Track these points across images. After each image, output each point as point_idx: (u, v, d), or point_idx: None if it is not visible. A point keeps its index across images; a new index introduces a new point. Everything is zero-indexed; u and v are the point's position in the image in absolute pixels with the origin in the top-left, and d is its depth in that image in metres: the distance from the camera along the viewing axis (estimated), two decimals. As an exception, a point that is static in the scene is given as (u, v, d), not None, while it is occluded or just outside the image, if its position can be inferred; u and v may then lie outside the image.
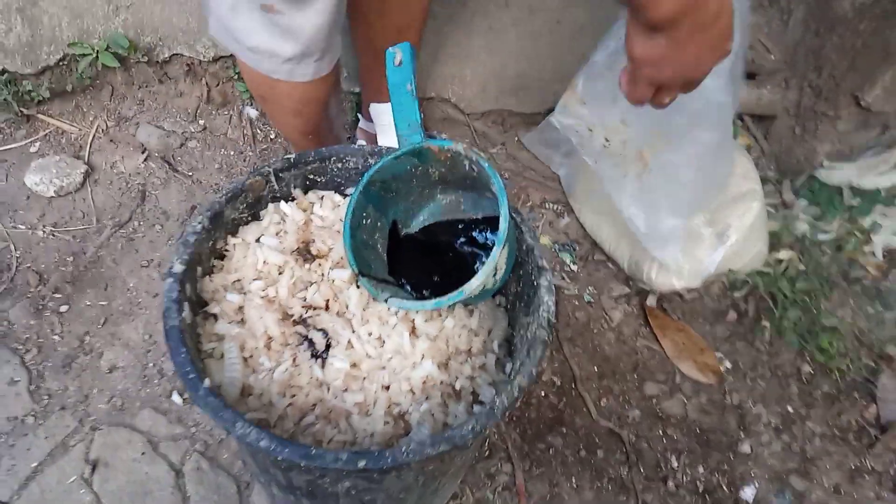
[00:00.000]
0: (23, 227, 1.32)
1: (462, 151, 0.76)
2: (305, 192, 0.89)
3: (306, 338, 0.78)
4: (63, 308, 1.22)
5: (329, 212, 0.87)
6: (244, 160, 1.49)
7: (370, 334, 0.77)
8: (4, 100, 1.44)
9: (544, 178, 1.53)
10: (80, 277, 1.26)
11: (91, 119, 1.51)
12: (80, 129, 1.49)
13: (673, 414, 1.23)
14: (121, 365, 1.16)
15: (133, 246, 1.32)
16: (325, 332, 0.78)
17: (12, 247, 1.29)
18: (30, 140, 1.46)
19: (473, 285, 0.70)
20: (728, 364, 1.30)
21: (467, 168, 0.78)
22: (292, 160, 0.86)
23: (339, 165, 0.89)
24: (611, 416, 1.22)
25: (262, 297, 0.79)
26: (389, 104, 1.32)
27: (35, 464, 1.04)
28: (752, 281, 1.36)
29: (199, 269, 0.78)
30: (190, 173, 1.45)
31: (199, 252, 0.78)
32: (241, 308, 0.79)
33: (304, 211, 0.87)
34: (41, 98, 1.47)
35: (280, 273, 0.81)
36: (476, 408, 0.75)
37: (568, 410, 1.21)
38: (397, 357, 0.76)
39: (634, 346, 1.31)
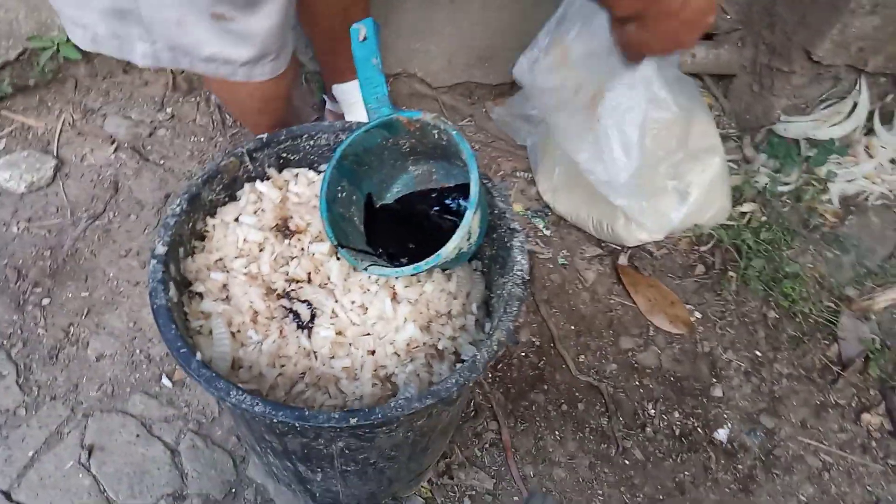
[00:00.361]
0: (-3, 224, 1.32)
1: (430, 121, 0.78)
2: (280, 171, 0.91)
3: (291, 310, 0.81)
4: (45, 301, 1.23)
5: (304, 188, 0.89)
6: (215, 146, 1.49)
7: (353, 302, 0.80)
8: (-35, 98, 1.43)
9: (513, 148, 1.56)
10: (59, 270, 1.27)
11: (57, 113, 1.50)
12: (45, 123, 1.48)
13: (648, 365, 1.29)
14: (108, 353, 1.18)
15: (110, 237, 1.33)
16: (308, 303, 0.81)
17: (-12, 244, 1.29)
18: (-5, 137, 1.45)
19: (449, 248, 0.74)
20: (698, 315, 1.36)
21: (436, 137, 0.81)
22: (264, 140, 0.88)
23: (311, 143, 0.91)
24: (589, 371, 1.27)
25: (245, 274, 0.81)
26: (351, 83, 1.35)
27: (31, 452, 1.06)
28: (717, 234, 1.41)
29: (181, 250, 0.80)
30: (161, 162, 1.46)
31: (180, 233, 0.80)
32: (225, 286, 0.81)
33: (280, 189, 0.89)
34: (3, 94, 1.46)
35: (261, 250, 0.83)
36: (459, 366, 0.78)
37: (548, 368, 1.26)
38: (381, 322, 0.79)
39: (609, 304, 1.36)
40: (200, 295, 0.81)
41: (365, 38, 0.80)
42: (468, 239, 0.79)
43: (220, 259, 0.83)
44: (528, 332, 1.29)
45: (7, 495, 1.02)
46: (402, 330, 0.79)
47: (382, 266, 0.78)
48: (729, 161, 1.44)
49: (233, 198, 0.88)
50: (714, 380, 1.28)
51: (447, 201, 0.90)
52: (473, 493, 1.10)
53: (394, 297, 0.81)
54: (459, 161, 0.80)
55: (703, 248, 1.43)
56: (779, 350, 1.32)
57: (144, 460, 1.06)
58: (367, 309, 0.80)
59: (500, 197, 0.86)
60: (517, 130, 1.54)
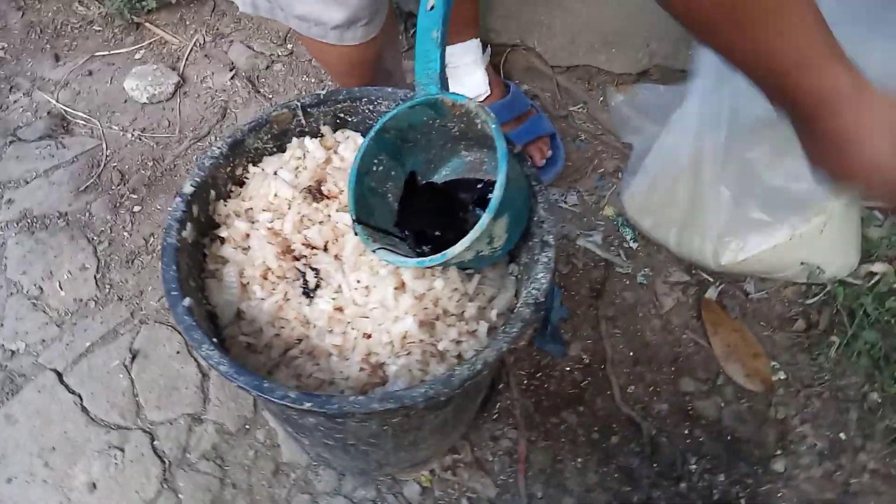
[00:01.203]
0: (116, 128, 1.43)
1: (473, 109, 0.72)
2: (335, 131, 0.89)
3: (303, 274, 0.80)
4: (136, 208, 1.32)
5: (351, 153, 0.87)
6: (323, 88, 1.51)
7: (359, 282, 0.78)
8: (119, 6, 1.54)
9: (622, 146, 1.43)
10: (155, 182, 1.36)
11: (191, 33, 1.58)
12: (180, 41, 1.57)
13: (705, 415, 1.15)
14: (175, 268, 1.25)
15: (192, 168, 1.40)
16: (317, 271, 0.79)
17: (104, 145, 1.40)
18: (136, 47, 1.56)
19: (456, 251, 0.68)
20: (782, 375, 1.19)
21: (480, 127, 0.74)
22: (321, 96, 0.86)
23: (371, 107, 0.88)
24: (635, 404, 1.16)
25: (268, 229, 0.81)
26: (458, 46, 1.29)
27: (89, 343, 1.16)
28: (832, 289, 1.21)
29: (214, 192, 0.82)
30: (270, 96, 1.50)
31: (216, 176, 0.81)
32: (247, 236, 0.81)
33: (328, 149, 0.87)
34: (150, 7, 1.56)
35: (289, 208, 0.82)
36: (430, 377, 0.73)
37: (590, 390, 1.17)
38: (380, 308, 0.76)
39: (679, 338, 1.23)
40: (223, 239, 0.82)
41: (432, 8, 0.75)
42: (489, 243, 0.73)
43: (250, 209, 0.83)
44: (580, 347, 1.20)
45: (60, 376, 1.13)
46: (400, 321, 0.75)
47: (391, 252, 0.74)
48: (867, 209, 1.23)
49: (282, 149, 0.88)
50: (779, 451, 1.13)
51: (489, 195, 0.83)
52: (474, 496, 1.06)
53: (401, 286, 0.77)
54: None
55: (809, 302, 1.24)
56: (870, 439, 1.13)
57: (177, 377, 1.12)
58: (370, 291, 0.77)
59: (543, 204, 0.78)
60: (627, 125, 1.40)
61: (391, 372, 0.75)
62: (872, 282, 1.22)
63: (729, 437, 1.14)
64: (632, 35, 1.40)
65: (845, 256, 1.19)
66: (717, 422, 1.15)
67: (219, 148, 0.81)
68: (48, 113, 1.46)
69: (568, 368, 1.19)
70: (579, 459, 1.11)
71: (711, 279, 1.27)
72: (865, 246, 1.24)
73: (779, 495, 1.09)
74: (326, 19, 0.93)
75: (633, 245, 1.33)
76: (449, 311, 0.78)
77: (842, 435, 1.14)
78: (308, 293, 0.78)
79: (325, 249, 0.81)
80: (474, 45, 1.29)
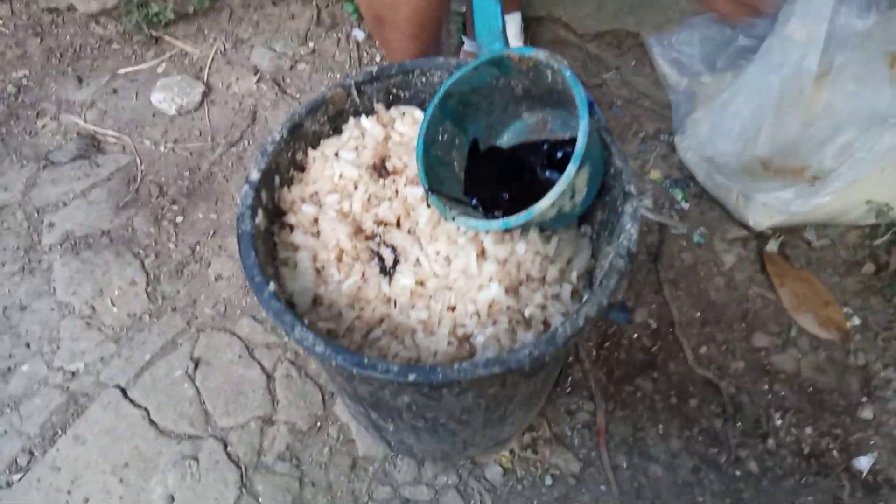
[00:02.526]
0: (147, 142, 1.42)
1: (544, 59, 0.70)
2: (388, 108, 0.87)
3: (376, 253, 0.77)
4: (178, 219, 1.31)
5: (409, 128, 0.84)
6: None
7: (437, 253, 0.75)
8: (136, 22, 1.53)
9: (660, 108, 1.40)
10: (194, 191, 1.35)
11: (211, 41, 1.57)
12: (200, 50, 1.56)
13: (783, 369, 1.12)
14: (226, 274, 1.23)
15: (242, 164, 1.38)
16: (394, 248, 0.77)
17: (138, 160, 1.39)
18: (157, 61, 1.55)
19: (543, 205, 0.66)
20: (857, 321, 1.16)
21: (550, 79, 0.72)
22: (374, 73, 0.84)
23: (423, 80, 0.85)
24: (710, 365, 1.13)
25: (337, 211, 0.79)
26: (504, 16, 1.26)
27: (148, 356, 1.14)
28: (898, 229, 1.18)
29: (278, 178, 0.79)
30: (298, 95, 1.48)
31: (278, 162, 0.79)
32: (316, 220, 0.79)
33: (385, 126, 0.85)
34: (167, 20, 1.55)
35: (355, 187, 0.80)
36: (535, 339, 0.71)
37: (662, 355, 1.14)
38: (463, 278, 0.74)
39: (746, 294, 1.19)
40: (291, 226, 0.80)
41: None
42: (571, 197, 0.70)
43: (315, 192, 0.81)
44: (645, 313, 1.17)
45: (124, 391, 1.11)
46: (485, 289, 0.73)
47: (471, 217, 0.72)
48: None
49: (338, 131, 0.86)
50: (864, 399, 1.09)
51: (559, 155, 0.81)
52: (557, 472, 1.03)
53: (481, 253, 0.75)
54: (576, 109, 0.71)
55: (876, 243, 1.20)
56: (957, 377, 1.09)
57: (242, 381, 1.10)
58: (450, 261, 0.75)
59: (618, 154, 0.75)
60: (669, 74, 1.36)
61: (479, 342, 0.72)
62: (940, 216, 1.18)
63: (811, 389, 1.10)
64: (660, -6, 1.38)
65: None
66: (796, 375, 1.12)
67: (279, 133, 0.78)
68: (77, 134, 1.44)
69: (636, 335, 1.16)
70: (660, 426, 1.08)
71: (770, 231, 1.24)
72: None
73: (871, 443, 1.05)
74: None
75: (685, 205, 1.30)
76: (532, 275, 0.76)
77: (927, 375, 1.10)
78: (386, 271, 0.76)
79: (398, 225, 0.78)
80: (518, 18, 1.27)
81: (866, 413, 1.08)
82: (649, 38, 1.35)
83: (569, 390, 1.11)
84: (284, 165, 0.81)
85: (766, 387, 1.11)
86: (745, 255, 1.23)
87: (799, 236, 1.24)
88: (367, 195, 0.79)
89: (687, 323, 1.17)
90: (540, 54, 0.69)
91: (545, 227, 0.78)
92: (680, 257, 1.24)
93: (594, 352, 1.14)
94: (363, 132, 0.84)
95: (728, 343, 1.15)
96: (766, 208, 1.17)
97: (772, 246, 1.23)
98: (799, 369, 1.12)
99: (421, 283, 0.74)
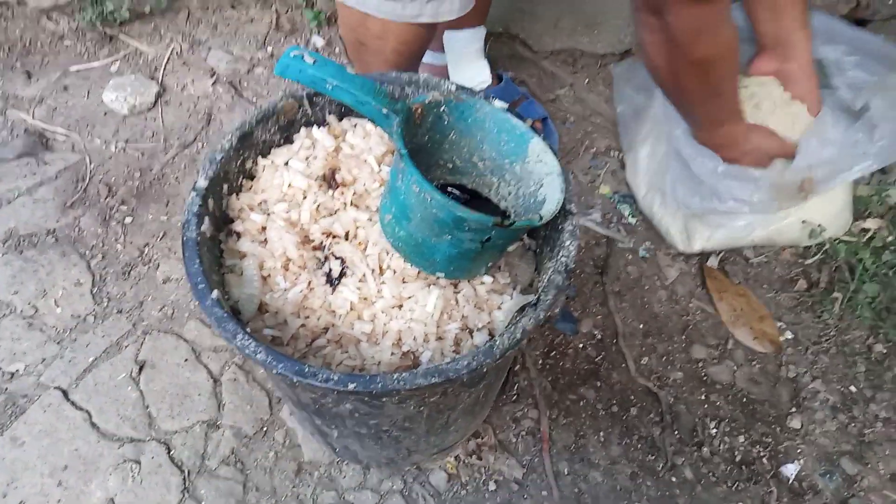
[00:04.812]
0: (98, 141, 1.40)
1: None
2: (340, 119, 0.88)
3: (324, 263, 0.78)
4: (128, 220, 1.29)
5: (360, 140, 0.86)
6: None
7: (384, 270, 0.77)
8: (90, 20, 1.51)
9: (612, 125, 1.44)
10: (145, 192, 1.33)
11: (167, 42, 1.55)
12: (156, 50, 1.54)
13: (719, 380, 1.17)
14: (174, 277, 1.22)
15: (195, 166, 1.37)
16: (342, 260, 0.78)
17: (87, 159, 1.37)
18: (111, 59, 1.53)
19: (551, 209, 0.70)
20: (789, 335, 1.21)
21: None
22: (327, 84, 0.84)
23: (376, 92, 0.87)
24: (650, 375, 1.17)
25: (285, 220, 0.79)
26: (467, 31, 1.27)
27: (92, 358, 1.12)
28: (830, 248, 1.24)
29: (226, 186, 0.80)
30: (254, 99, 1.48)
31: (227, 170, 0.79)
32: (263, 228, 0.80)
33: (336, 138, 0.86)
34: (122, 19, 1.53)
35: (304, 197, 0.81)
36: (473, 350, 0.73)
37: (605, 365, 1.17)
38: (409, 301, 0.75)
39: (686, 307, 1.24)
40: (239, 234, 0.80)
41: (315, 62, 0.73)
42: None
43: (264, 201, 0.82)
44: (590, 324, 1.21)
45: (65, 393, 1.09)
46: (432, 308, 0.74)
47: (452, 199, 0.66)
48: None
49: (289, 140, 0.86)
50: (794, 409, 1.15)
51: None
52: (500, 478, 1.06)
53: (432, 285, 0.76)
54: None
55: (808, 262, 1.27)
56: (879, 389, 1.16)
57: (188, 384, 1.10)
58: (404, 281, 0.76)
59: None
60: (624, 96, 1.39)
61: (424, 357, 0.74)
62: (867, 237, 1.25)
63: (744, 399, 1.15)
64: (613, 16, 1.42)
65: (840, 216, 1.22)
66: (731, 385, 1.17)
67: (228, 141, 0.79)
68: (25, 131, 1.41)
69: (581, 345, 1.19)
70: (601, 433, 1.11)
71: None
72: (857, 204, 1.27)
73: (798, 451, 1.11)
74: None
75: (632, 220, 1.34)
76: (480, 301, 0.78)
77: (852, 388, 1.16)
78: (332, 281, 0.77)
79: (347, 238, 0.79)
80: (481, 32, 1.28)
81: (795, 423, 1.13)
82: (615, 68, 1.39)
83: (514, 398, 1.13)
84: (233, 173, 0.81)
85: (703, 397, 1.15)
86: (686, 270, 1.28)
87: (738, 253, 1.29)
88: (316, 205, 0.80)
89: (630, 334, 1.21)
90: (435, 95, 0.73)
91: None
92: (626, 270, 1.28)
93: (540, 360, 1.17)
94: (314, 143, 0.85)
95: (668, 354, 1.19)
96: (701, 238, 1.23)
97: (712, 261, 1.28)
98: (734, 380, 1.17)
99: (366, 299, 0.76)
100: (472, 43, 1.30)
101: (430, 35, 1.03)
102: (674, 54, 0.87)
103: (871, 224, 1.27)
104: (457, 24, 1.27)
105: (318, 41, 1.55)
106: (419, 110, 0.74)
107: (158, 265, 1.24)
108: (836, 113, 1.11)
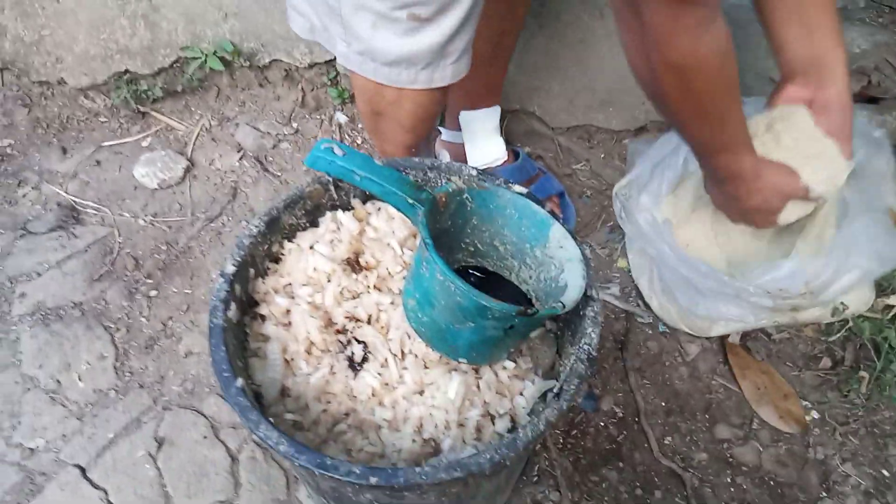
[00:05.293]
0: (127, 214, 1.44)
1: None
2: (364, 203, 0.90)
3: (346, 347, 0.79)
4: (153, 293, 1.31)
5: (383, 223, 0.88)
6: (330, 163, 1.54)
7: (406, 355, 0.77)
8: (125, 98, 1.58)
9: (628, 198, 1.46)
10: (170, 265, 1.36)
11: (197, 118, 1.62)
12: (186, 126, 1.60)
13: (745, 462, 1.14)
14: (196, 351, 1.23)
15: (220, 239, 1.40)
16: (364, 344, 0.79)
17: (116, 232, 1.41)
18: (143, 135, 1.59)
19: (572, 298, 0.70)
20: (815, 415, 1.19)
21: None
22: (352, 170, 0.87)
23: (398, 177, 0.89)
24: (674, 455, 1.14)
25: (309, 303, 0.81)
26: (483, 111, 1.32)
27: (111, 435, 1.12)
28: (854, 325, 1.23)
29: (252, 270, 0.82)
30: (279, 174, 1.52)
31: (254, 254, 0.82)
32: (288, 311, 0.81)
33: (360, 221, 0.88)
34: (155, 97, 1.60)
35: (328, 280, 0.83)
36: (495, 442, 0.72)
37: (627, 444, 1.15)
38: (431, 387, 0.75)
39: (709, 385, 1.22)
40: (263, 317, 0.81)
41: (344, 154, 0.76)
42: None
43: (289, 284, 0.83)
44: (611, 401, 1.19)
45: (83, 471, 1.09)
46: (455, 397, 0.74)
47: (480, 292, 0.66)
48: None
49: (314, 224, 0.89)
50: (824, 493, 1.11)
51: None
52: (522, 566, 1.03)
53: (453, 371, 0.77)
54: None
55: (831, 339, 1.25)
56: (913, 474, 1.12)
57: (206, 462, 1.09)
58: (426, 366, 0.76)
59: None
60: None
61: (445, 445, 0.74)
62: (891, 314, 1.23)
63: (772, 482, 1.12)
64: (627, 94, 1.46)
65: (863, 293, 1.21)
66: (757, 468, 1.13)
67: (256, 226, 0.81)
68: (58, 204, 1.46)
69: (602, 423, 1.17)
70: (625, 518, 1.08)
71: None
72: (878, 280, 1.26)
73: (831, 539, 1.07)
74: (418, 50, 0.91)
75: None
76: (500, 377, 0.78)
77: (884, 472, 1.13)
78: (354, 366, 0.78)
79: (369, 322, 0.80)
80: (496, 111, 1.32)
81: (826, 509, 1.09)
82: (630, 143, 1.40)
83: (535, 479, 1.11)
84: (260, 257, 0.83)
85: (729, 479, 1.12)
86: (708, 346, 1.27)
87: (760, 329, 1.28)
88: (340, 289, 0.82)
89: (652, 412, 1.19)
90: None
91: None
92: (646, 346, 1.27)
93: (561, 440, 1.15)
94: (339, 226, 0.88)
95: (692, 434, 1.17)
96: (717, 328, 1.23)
97: (734, 338, 1.27)
98: (760, 462, 1.14)
99: (387, 385, 0.76)
100: (488, 121, 1.34)
101: (443, 101, 1.05)
102: (651, 56, 0.80)
103: (894, 301, 1.25)
104: (472, 104, 1.31)
105: (342, 118, 1.61)
106: (443, 199, 0.76)
107: (181, 338, 1.25)
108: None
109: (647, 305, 1.31)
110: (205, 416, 1.15)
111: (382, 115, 1.07)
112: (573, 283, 0.74)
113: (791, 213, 1.02)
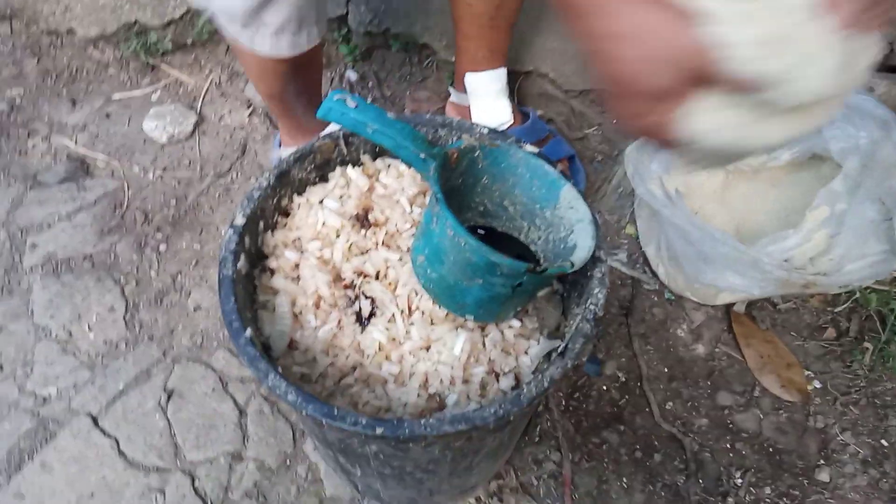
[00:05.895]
0: (137, 168, 1.44)
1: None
2: (374, 159, 0.90)
3: (354, 302, 0.79)
4: (162, 247, 1.32)
5: (393, 180, 0.87)
6: (340, 122, 1.53)
7: (414, 311, 0.78)
8: (134, 50, 1.56)
9: (639, 165, 1.45)
10: (179, 220, 1.36)
11: (207, 73, 1.60)
12: (196, 81, 1.59)
13: (745, 428, 1.15)
14: (205, 305, 1.25)
15: (229, 195, 1.40)
16: (372, 300, 0.79)
17: (126, 186, 1.41)
18: (152, 88, 1.58)
19: (581, 256, 0.70)
20: (817, 384, 1.19)
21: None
22: (363, 126, 0.87)
23: (410, 135, 0.89)
24: (675, 420, 1.16)
25: (318, 258, 0.81)
26: (486, 73, 1.31)
27: (122, 385, 1.14)
28: (860, 296, 1.23)
29: (262, 223, 0.82)
30: (288, 131, 1.51)
31: (263, 207, 0.82)
32: (297, 265, 0.81)
33: (370, 177, 0.88)
34: (165, 50, 1.58)
35: (337, 236, 0.83)
36: (500, 397, 0.73)
37: (629, 408, 1.16)
38: (437, 343, 0.76)
39: (713, 352, 1.23)
40: (272, 270, 0.82)
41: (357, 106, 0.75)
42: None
43: (298, 238, 0.84)
44: (614, 366, 1.20)
45: (95, 420, 1.11)
46: (460, 354, 0.75)
47: (486, 246, 0.66)
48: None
49: (324, 178, 0.89)
50: (822, 461, 1.12)
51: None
52: (521, 521, 1.05)
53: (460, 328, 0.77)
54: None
55: (837, 309, 1.25)
56: (912, 444, 1.13)
57: (215, 415, 1.11)
58: (432, 322, 0.77)
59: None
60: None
61: (450, 400, 0.75)
62: (899, 286, 1.23)
63: (771, 449, 1.13)
64: (643, 57, 1.43)
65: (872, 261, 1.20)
66: (757, 434, 1.15)
67: (266, 179, 0.81)
68: (67, 156, 1.46)
69: (605, 387, 1.18)
70: (624, 479, 1.10)
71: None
72: (889, 252, 1.26)
73: (826, 505, 1.08)
74: (231, 5, 0.92)
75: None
76: (508, 346, 0.79)
77: (883, 441, 1.14)
78: (361, 321, 0.78)
79: (377, 278, 0.81)
80: (502, 73, 1.31)
81: (823, 476, 1.11)
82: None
83: (537, 440, 1.12)
84: (269, 211, 0.83)
85: (729, 445, 1.14)
86: (713, 314, 1.27)
87: (766, 298, 1.28)
88: (349, 244, 0.82)
89: (655, 377, 1.20)
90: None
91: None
92: (651, 312, 1.28)
93: (563, 402, 1.16)
94: (349, 182, 0.87)
95: (693, 400, 1.18)
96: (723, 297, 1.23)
97: (739, 307, 1.27)
98: (760, 429, 1.15)
99: (394, 340, 0.77)
100: (492, 84, 1.33)
101: (280, 66, 1.03)
102: None
103: (903, 273, 1.25)
104: (475, 66, 1.30)
105: (352, 75, 1.59)
106: (455, 155, 0.75)
107: (190, 293, 1.26)
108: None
109: (653, 273, 1.31)
110: (213, 370, 1.17)
111: (237, 58, 1.09)
112: (582, 243, 0.74)
113: (706, 116, 0.45)
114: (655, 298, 1.29)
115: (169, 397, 1.13)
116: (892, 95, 1.39)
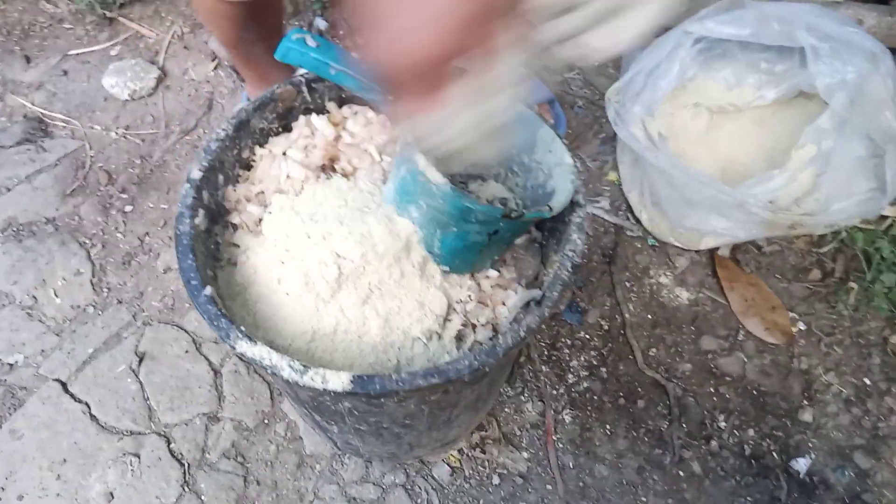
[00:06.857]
0: (98, 127, 1.38)
1: None
2: (340, 107, 0.85)
3: (322, 255, 0.76)
4: (128, 208, 1.27)
5: (360, 128, 0.83)
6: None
7: (389, 271, 0.74)
8: (90, 2, 1.48)
9: (621, 108, 1.40)
10: (145, 179, 1.31)
11: (168, 25, 1.52)
12: (157, 34, 1.51)
13: (728, 372, 1.14)
14: (175, 267, 1.21)
15: (196, 152, 1.35)
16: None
17: (87, 146, 1.35)
18: (111, 43, 1.50)
19: (561, 201, 0.67)
20: (801, 326, 1.18)
21: None
22: (326, 70, 0.82)
23: (376, 78, 0.84)
24: (658, 366, 1.14)
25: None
26: None
27: (91, 350, 1.11)
28: (847, 236, 1.21)
29: (222, 177, 0.77)
30: (256, 83, 1.45)
31: (222, 160, 0.77)
32: (260, 220, 0.78)
33: (336, 126, 0.83)
34: (122, 1, 1.50)
35: (302, 189, 0.79)
36: (475, 348, 0.71)
37: (612, 356, 1.15)
38: (412, 292, 0.73)
39: (696, 297, 1.21)
40: (235, 226, 0.78)
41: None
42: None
43: (261, 192, 0.80)
44: (597, 314, 1.18)
45: (64, 385, 1.08)
46: (434, 299, 0.72)
47: (465, 193, 0.62)
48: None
49: (287, 128, 0.84)
50: (805, 402, 1.12)
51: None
52: (504, 472, 1.04)
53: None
54: None
55: (823, 250, 1.23)
56: (894, 382, 1.13)
57: (188, 376, 1.08)
58: (401, 279, 0.74)
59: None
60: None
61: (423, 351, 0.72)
62: (885, 226, 1.21)
63: (755, 392, 1.13)
64: None
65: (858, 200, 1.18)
66: (741, 378, 1.14)
67: (224, 130, 0.76)
68: (24, 116, 1.39)
69: (588, 336, 1.17)
70: (608, 426, 1.09)
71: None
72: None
73: (809, 445, 1.08)
74: None
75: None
76: (484, 297, 0.76)
77: (866, 380, 1.14)
78: (331, 274, 0.75)
79: (346, 228, 0.77)
80: None
81: (806, 416, 1.11)
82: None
83: (519, 390, 1.11)
84: (230, 163, 0.79)
85: (712, 389, 1.13)
86: (697, 259, 1.25)
87: (750, 241, 1.26)
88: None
89: (638, 325, 1.18)
90: None
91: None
92: (634, 259, 1.25)
93: (545, 352, 1.14)
94: (313, 131, 0.83)
95: (677, 345, 1.17)
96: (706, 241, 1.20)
97: (723, 250, 1.25)
98: (744, 372, 1.15)
99: (367, 293, 0.73)
100: None
101: (230, 9, 0.97)
102: None
103: (890, 212, 1.23)
104: None
105: (321, 23, 1.52)
106: None
107: (159, 255, 1.22)
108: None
109: (636, 219, 1.28)
110: (186, 332, 1.13)
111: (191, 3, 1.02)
112: (561, 187, 0.71)
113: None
114: (639, 245, 1.27)
115: (141, 360, 1.10)
116: (881, 27, 1.34)
